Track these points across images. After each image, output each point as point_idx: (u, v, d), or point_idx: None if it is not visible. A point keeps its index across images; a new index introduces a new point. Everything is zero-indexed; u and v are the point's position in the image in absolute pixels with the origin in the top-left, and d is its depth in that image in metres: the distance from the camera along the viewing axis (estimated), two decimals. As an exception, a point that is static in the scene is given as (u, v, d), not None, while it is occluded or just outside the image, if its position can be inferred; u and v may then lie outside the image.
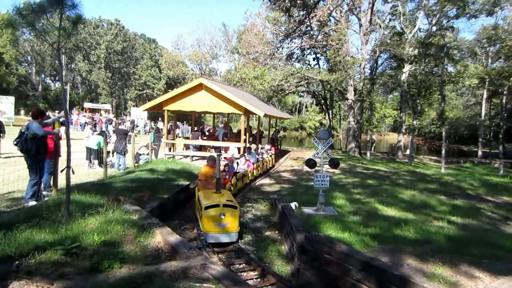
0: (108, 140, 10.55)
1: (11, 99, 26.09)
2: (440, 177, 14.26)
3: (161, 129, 22.13)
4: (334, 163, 7.39)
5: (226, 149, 14.61)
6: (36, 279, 3.30)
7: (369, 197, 9.00)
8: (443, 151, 20.48)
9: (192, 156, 14.72)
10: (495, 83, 28.84)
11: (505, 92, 30.74)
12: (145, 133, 30.13)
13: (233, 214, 6.33)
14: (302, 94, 53.42)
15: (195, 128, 20.23)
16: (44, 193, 6.59)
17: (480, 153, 32.12)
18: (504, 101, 31.91)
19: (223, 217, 6.16)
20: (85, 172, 9.95)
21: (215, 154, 8.25)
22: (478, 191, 11.01)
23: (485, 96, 33.20)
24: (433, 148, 46.78)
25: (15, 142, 6.22)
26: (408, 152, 25.75)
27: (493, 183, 13.16)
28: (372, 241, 5.42)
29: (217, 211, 6.22)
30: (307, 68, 29.42)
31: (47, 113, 11.13)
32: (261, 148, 15.75)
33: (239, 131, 15.75)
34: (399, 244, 5.30)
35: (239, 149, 13.93)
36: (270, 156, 14.94)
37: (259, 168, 12.66)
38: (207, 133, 19.28)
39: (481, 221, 7.08)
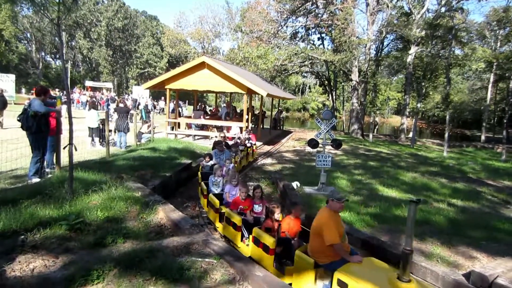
0: (110, 119, 10.50)
1: (12, 77, 25.82)
2: (442, 161, 14.25)
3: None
4: (336, 144, 7.38)
5: (229, 128, 14.59)
6: (42, 253, 3.37)
7: (371, 178, 9.04)
8: (446, 135, 20.36)
9: (194, 135, 14.72)
10: (502, 67, 28.28)
11: (512, 77, 30.19)
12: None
13: None
14: (305, 74, 52.68)
15: (197, 107, 20.13)
16: (47, 170, 6.64)
17: (483, 137, 31.87)
18: (511, 85, 31.37)
19: None
20: (87, 150, 9.98)
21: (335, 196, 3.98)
22: (479, 175, 11.02)
23: (491, 80, 32.58)
24: (436, 131, 46.50)
25: (18, 118, 6.21)
26: (411, 135, 25.64)
27: (495, 167, 13.14)
28: (372, 221, 5.49)
29: None
30: (312, 48, 28.82)
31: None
32: (238, 138, 11.70)
33: (242, 110, 15.62)
34: (398, 225, 5.36)
35: (241, 128, 13.90)
36: (250, 147, 11.26)
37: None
38: (209, 112, 19.21)
39: (481, 204, 7.13)
